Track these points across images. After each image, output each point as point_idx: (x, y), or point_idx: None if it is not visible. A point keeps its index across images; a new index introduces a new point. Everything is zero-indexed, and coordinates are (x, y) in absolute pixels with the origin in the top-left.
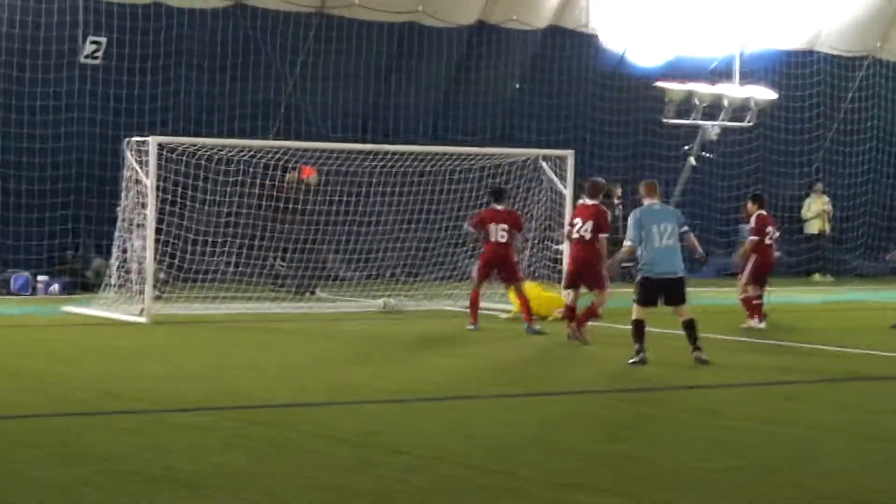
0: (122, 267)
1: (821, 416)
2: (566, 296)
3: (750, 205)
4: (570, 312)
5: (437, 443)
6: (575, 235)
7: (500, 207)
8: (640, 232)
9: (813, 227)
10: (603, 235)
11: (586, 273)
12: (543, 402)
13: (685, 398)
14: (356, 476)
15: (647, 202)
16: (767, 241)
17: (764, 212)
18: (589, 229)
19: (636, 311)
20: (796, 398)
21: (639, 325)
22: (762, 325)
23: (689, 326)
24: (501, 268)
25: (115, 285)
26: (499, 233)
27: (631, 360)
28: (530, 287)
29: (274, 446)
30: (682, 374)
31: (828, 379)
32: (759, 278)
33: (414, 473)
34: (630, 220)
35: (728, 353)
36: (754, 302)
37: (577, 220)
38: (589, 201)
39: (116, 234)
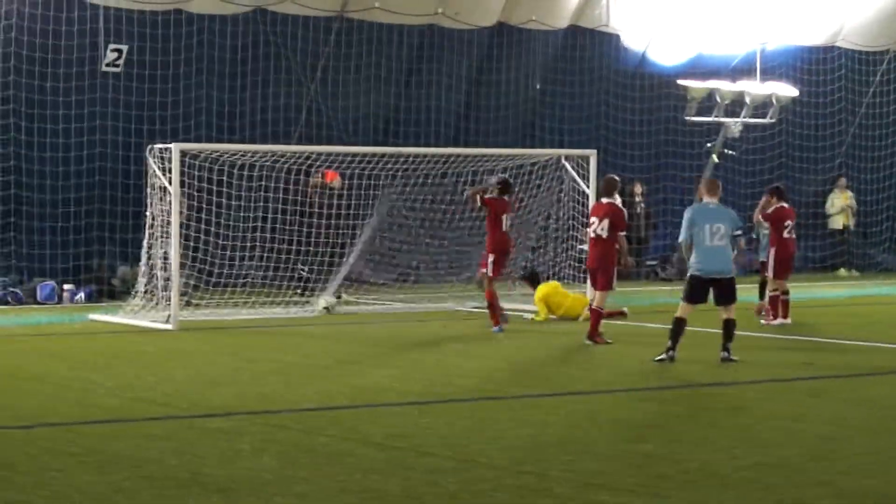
0: (150, 274)
1: (846, 412)
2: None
3: (768, 198)
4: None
5: (464, 444)
6: (592, 235)
7: (508, 199)
8: (690, 230)
9: (837, 223)
10: (621, 233)
11: (597, 272)
12: (568, 401)
13: (709, 396)
14: (385, 478)
15: (704, 200)
16: (786, 235)
17: (785, 204)
18: (606, 227)
19: (681, 309)
20: (821, 394)
21: (679, 324)
22: (776, 322)
23: (729, 326)
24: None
25: (143, 293)
26: (508, 223)
27: (658, 358)
28: (552, 286)
29: (302, 450)
30: (706, 372)
31: (852, 374)
32: (781, 272)
33: (442, 475)
34: (684, 218)
35: (751, 350)
36: (781, 298)
37: (594, 220)
38: (604, 199)
39: (144, 241)
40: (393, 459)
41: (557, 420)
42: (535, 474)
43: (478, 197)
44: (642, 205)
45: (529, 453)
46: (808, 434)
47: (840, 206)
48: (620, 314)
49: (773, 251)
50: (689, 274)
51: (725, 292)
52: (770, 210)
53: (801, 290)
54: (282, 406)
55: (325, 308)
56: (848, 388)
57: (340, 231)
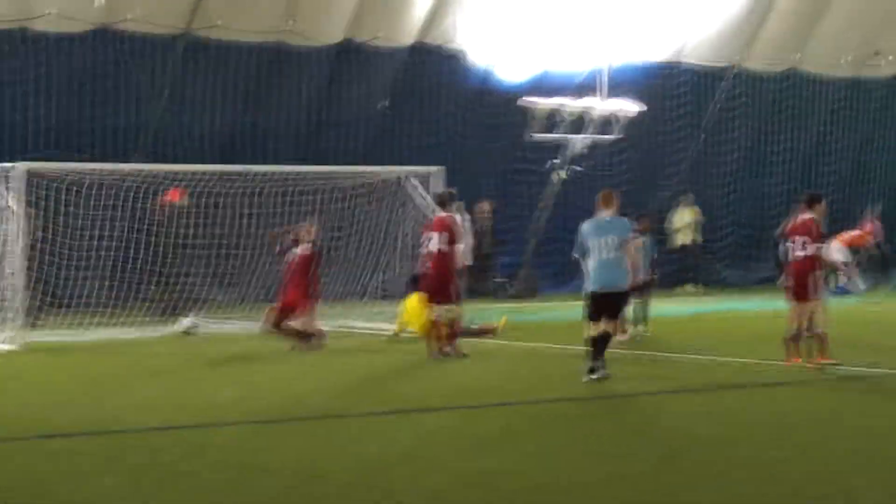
0: None
1: (689, 424)
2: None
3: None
4: (438, 329)
5: (310, 461)
6: (431, 249)
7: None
8: (582, 245)
9: (682, 239)
10: (459, 246)
11: (436, 286)
12: (414, 418)
13: (554, 410)
14: (231, 497)
15: (599, 213)
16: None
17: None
18: (443, 241)
19: (589, 329)
20: (665, 407)
21: (593, 341)
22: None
23: (603, 339)
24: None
25: None
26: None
27: (595, 377)
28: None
29: (147, 469)
30: (551, 387)
31: (696, 388)
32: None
33: (289, 493)
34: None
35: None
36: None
37: (431, 234)
38: (441, 212)
39: None
40: (237, 478)
41: (403, 436)
42: (382, 490)
43: (279, 241)
44: (489, 222)
45: (375, 470)
46: (652, 446)
47: (686, 221)
48: (490, 331)
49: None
50: (585, 291)
51: (612, 305)
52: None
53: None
54: (126, 426)
55: (185, 331)
56: (690, 401)
57: (187, 250)
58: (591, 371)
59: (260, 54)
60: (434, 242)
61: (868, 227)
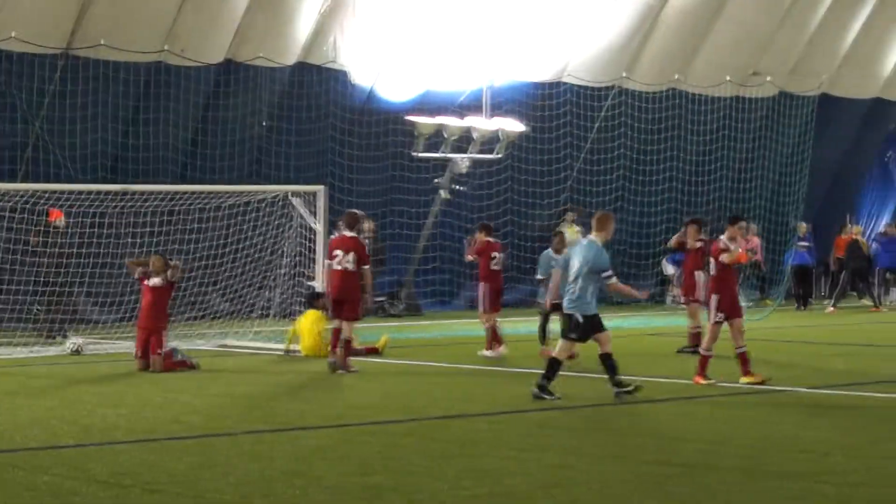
0: None
1: (575, 441)
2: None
3: (479, 234)
4: (335, 340)
5: (193, 480)
6: (337, 267)
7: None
8: (564, 266)
9: (544, 256)
10: (365, 267)
11: (345, 304)
12: (297, 436)
13: (439, 428)
14: None
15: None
16: (494, 268)
17: (491, 239)
18: (352, 260)
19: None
20: (550, 425)
21: (602, 359)
22: (496, 353)
23: (553, 365)
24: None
25: None
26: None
27: (626, 390)
28: (315, 315)
29: (28, 489)
30: (437, 405)
31: (580, 405)
32: (493, 305)
33: None
34: None
35: (482, 382)
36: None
37: (338, 252)
38: (348, 233)
39: None
40: (120, 497)
41: (285, 454)
42: None
43: (136, 270)
44: (370, 241)
45: (257, 488)
46: (537, 463)
47: (568, 240)
48: (375, 350)
49: (483, 285)
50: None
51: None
52: (476, 245)
53: (533, 324)
54: (6, 446)
55: (73, 350)
56: (575, 417)
57: (64, 270)
58: (621, 386)
59: (140, 73)
60: (342, 261)
61: (748, 244)
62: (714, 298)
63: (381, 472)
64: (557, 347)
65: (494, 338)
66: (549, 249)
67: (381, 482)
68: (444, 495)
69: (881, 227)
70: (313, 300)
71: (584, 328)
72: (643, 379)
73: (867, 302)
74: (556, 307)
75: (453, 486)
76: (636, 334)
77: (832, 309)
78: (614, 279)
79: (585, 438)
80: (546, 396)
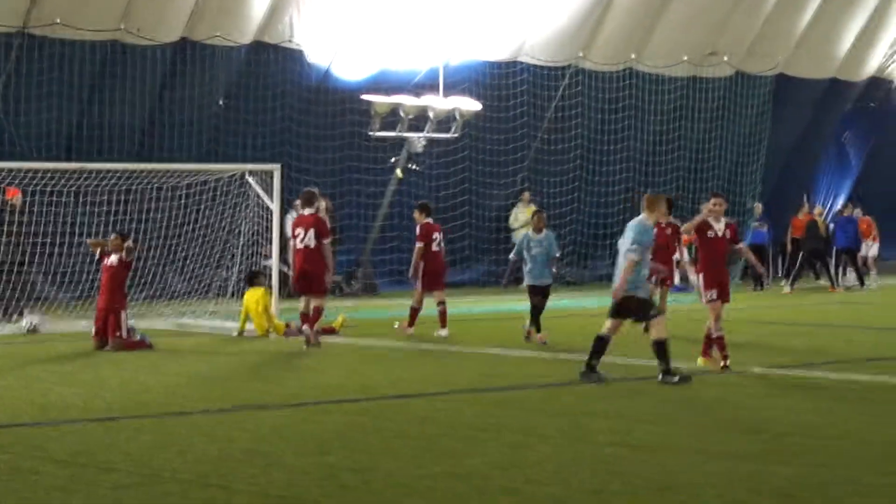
0: None
1: (532, 421)
2: (302, 304)
3: (417, 214)
4: (304, 318)
5: (149, 460)
6: (300, 245)
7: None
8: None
9: (521, 236)
10: (326, 241)
11: (312, 280)
12: (254, 415)
13: (396, 407)
14: (69, 495)
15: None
16: (435, 248)
17: (430, 220)
18: (312, 237)
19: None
20: (507, 404)
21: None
22: (411, 331)
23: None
24: None
25: None
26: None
27: (675, 380)
28: (259, 293)
29: None
30: (394, 384)
31: (538, 385)
32: (433, 285)
33: (127, 491)
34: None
35: (439, 362)
36: (439, 309)
37: (299, 231)
38: (306, 211)
39: None
40: (77, 476)
41: (243, 434)
42: (221, 487)
43: (98, 249)
44: (328, 220)
45: (215, 467)
46: (495, 443)
47: (524, 220)
48: (332, 330)
49: (422, 265)
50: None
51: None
52: (418, 227)
53: (487, 304)
54: None
55: (30, 329)
56: (534, 397)
57: (21, 248)
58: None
59: (97, 52)
60: (304, 238)
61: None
62: (700, 278)
63: (338, 451)
64: (606, 325)
65: (415, 314)
66: (530, 230)
67: (338, 461)
68: (401, 474)
69: (837, 208)
70: (253, 279)
71: (641, 308)
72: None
73: (824, 282)
74: (536, 290)
75: (410, 466)
76: (591, 313)
77: (789, 289)
78: (635, 255)
79: (542, 419)
80: (593, 377)
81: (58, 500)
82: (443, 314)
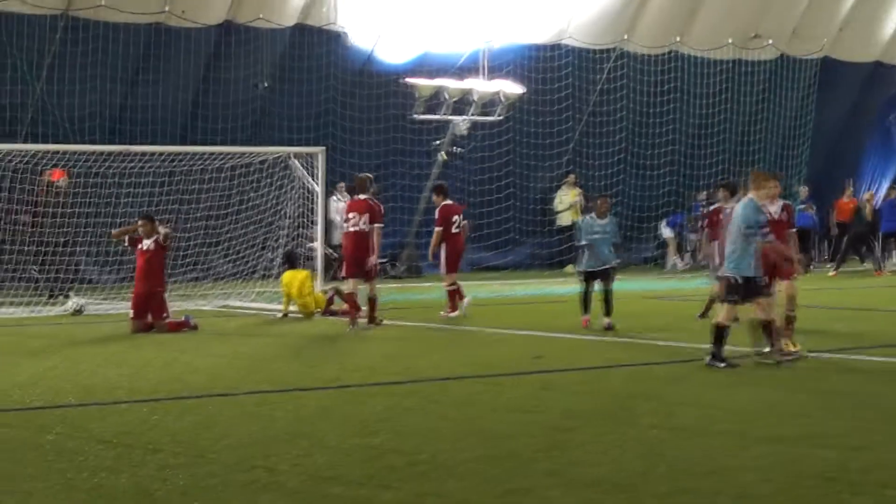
0: None
1: (576, 403)
2: (349, 286)
3: (434, 196)
4: (351, 300)
5: (194, 440)
6: (352, 228)
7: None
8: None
9: (566, 220)
10: (377, 226)
11: (363, 265)
12: (297, 397)
13: (439, 390)
14: (114, 476)
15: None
16: (455, 231)
17: (450, 201)
18: (366, 221)
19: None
20: (552, 387)
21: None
22: (456, 314)
23: (720, 332)
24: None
25: None
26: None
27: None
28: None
29: (30, 448)
30: (437, 366)
31: (583, 367)
32: (452, 266)
33: (172, 471)
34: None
35: (482, 344)
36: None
37: (353, 214)
38: (360, 196)
39: None
40: (122, 456)
41: (286, 415)
42: (265, 469)
43: (125, 237)
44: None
45: (259, 448)
46: (538, 425)
47: (568, 202)
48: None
49: (444, 247)
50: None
51: (755, 291)
52: (437, 210)
53: (530, 287)
54: (9, 405)
55: (76, 310)
56: (578, 379)
57: (67, 229)
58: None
59: (140, 35)
60: (357, 223)
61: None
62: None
63: (382, 433)
64: (721, 313)
65: (455, 296)
66: (592, 214)
67: (382, 443)
68: (445, 456)
69: (883, 191)
70: (291, 259)
71: (744, 289)
72: (643, 342)
73: (870, 266)
74: (593, 275)
75: (454, 448)
76: (635, 297)
77: (834, 272)
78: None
79: (585, 401)
80: (719, 364)
81: (104, 479)
82: (452, 295)
